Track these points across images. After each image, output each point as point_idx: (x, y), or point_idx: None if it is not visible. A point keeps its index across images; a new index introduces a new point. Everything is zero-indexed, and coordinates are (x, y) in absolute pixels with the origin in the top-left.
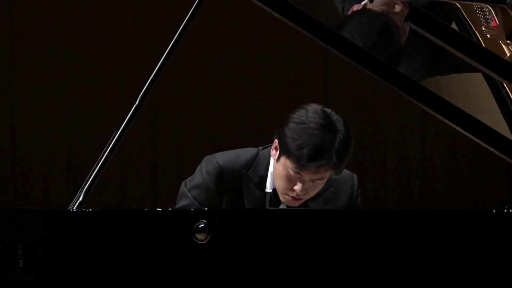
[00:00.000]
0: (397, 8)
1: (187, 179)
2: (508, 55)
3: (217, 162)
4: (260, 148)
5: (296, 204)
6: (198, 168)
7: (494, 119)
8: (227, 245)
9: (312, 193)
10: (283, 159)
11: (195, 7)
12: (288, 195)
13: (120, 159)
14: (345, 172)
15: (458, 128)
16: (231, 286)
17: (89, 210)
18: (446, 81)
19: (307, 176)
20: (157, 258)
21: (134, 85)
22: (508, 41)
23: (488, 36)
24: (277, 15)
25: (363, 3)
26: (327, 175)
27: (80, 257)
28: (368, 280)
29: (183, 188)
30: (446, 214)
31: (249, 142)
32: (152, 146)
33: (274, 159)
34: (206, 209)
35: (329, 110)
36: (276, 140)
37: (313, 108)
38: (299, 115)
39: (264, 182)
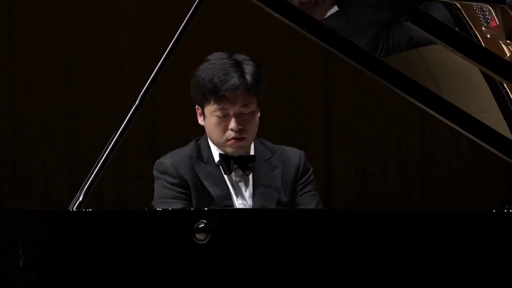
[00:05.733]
0: None
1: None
2: (508, 55)
3: (167, 161)
4: (196, 139)
5: (241, 145)
6: (155, 179)
7: (494, 119)
8: (227, 245)
9: (249, 129)
10: (206, 110)
11: (194, 7)
12: (229, 140)
13: (120, 159)
14: (294, 148)
15: (458, 128)
16: (231, 286)
17: (89, 210)
18: (446, 80)
19: (232, 108)
20: (157, 258)
21: (134, 85)
22: (508, 41)
23: (488, 36)
24: (277, 15)
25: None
26: (250, 100)
27: (80, 257)
28: (368, 280)
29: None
30: (446, 214)
31: None
32: (152, 146)
33: (202, 122)
34: (206, 209)
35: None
36: (196, 107)
37: (214, 54)
38: (201, 66)
39: (212, 159)
